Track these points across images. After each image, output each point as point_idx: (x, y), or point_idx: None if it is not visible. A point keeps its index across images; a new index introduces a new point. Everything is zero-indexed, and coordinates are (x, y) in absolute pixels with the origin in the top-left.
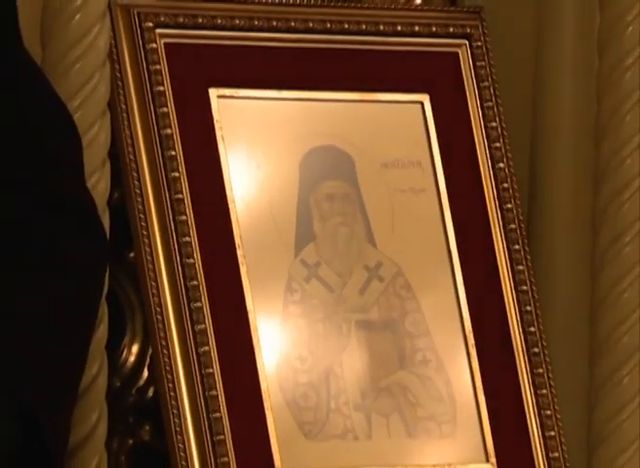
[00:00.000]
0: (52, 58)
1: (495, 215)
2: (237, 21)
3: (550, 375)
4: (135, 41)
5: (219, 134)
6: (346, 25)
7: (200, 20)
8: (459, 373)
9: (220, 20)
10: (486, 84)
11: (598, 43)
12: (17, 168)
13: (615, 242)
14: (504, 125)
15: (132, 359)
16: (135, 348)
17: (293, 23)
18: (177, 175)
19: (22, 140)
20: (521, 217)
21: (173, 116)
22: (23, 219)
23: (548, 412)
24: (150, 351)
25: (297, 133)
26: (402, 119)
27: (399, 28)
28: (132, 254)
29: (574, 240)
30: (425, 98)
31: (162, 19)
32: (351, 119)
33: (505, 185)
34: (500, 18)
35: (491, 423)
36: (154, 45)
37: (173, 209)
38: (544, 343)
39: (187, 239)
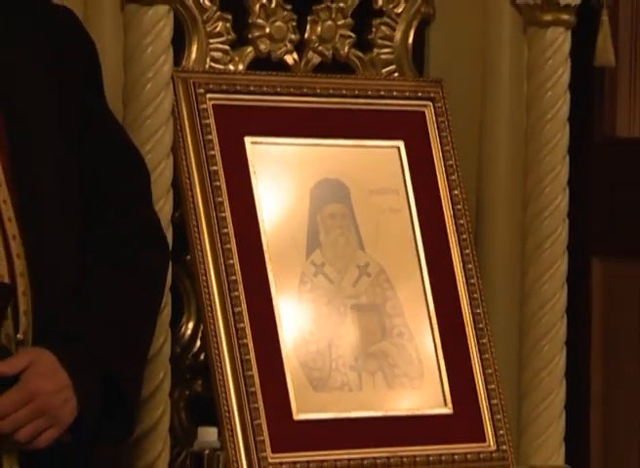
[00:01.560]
0: (130, 115)
1: (451, 228)
2: (264, 88)
3: (492, 344)
4: (190, 103)
5: (251, 170)
6: (344, 91)
7: (238, 88)
8: (424, 343)
9: (252, 88)
10: (445, 134)
11: (527, 103)
12: (107, 196)
13: (537, 248)
14: (458, 163)
15: (188, 333)
16: (190, 325)
17: (305, 90)
18: (220, 199)
19: (111, 176)
20: (470, 230)
21: (218, 157)
22: (112, 228)
23: (490, 371)
24: (202, 327)
25: (308, 169)
26: (384, 159)
27: (382, 93)
28: (188, 257)
29: (508, 247)
30: (401, 144)
31: (210, 86)
32: (347, 159)
33: (459, 207)
34: (455, 86)
35: (448, 379)
36: (205, 105)
37: (218, 224)
38: (487, 321)
39: (228, 246)
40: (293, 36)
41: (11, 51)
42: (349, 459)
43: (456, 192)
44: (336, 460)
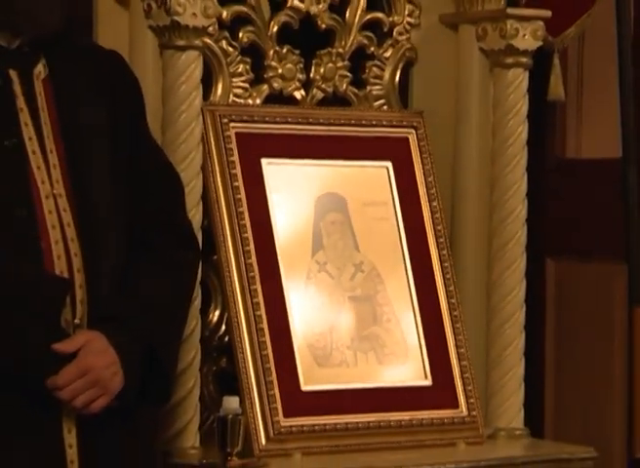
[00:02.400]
0: (168, 140)
1: (430, 233)
2: (277, 119)
3: (464, 328)
4: (216, 130)
5: (266, 185)
6: (342, 121)
7: (255, 118)
8: (408, 327)
9: (267, 118)
10: (425, 156)
11: (492, 130)
12: (149, 206)
13: (501, 249)
14: (436, 179)
15: (215, 319)
16: (217, 313)
17: (310, 120)
18: (241, 209)
19: (153, 189)
20: (446, 234)
21: (239, 175)
22: (153, 233)
23: (462, 350)
24: (226, 314)
25: (313, 184)
26: (375, 176)
27: (373, 122)
28: (215, 257)
29: (477, 248)
30: (389, 164)
31: (233, 117)
32: (345, 176)
33: (437, 215)
34: (434, 117)
35: (428, 356)
36: (228, 133)
37: (239, 230)
38: (460, 309)
39: (248, 248)
40: (300, 76)
41: (73, 88)
42: (347, 423)
43: (434, 204)
44: (336, 424)
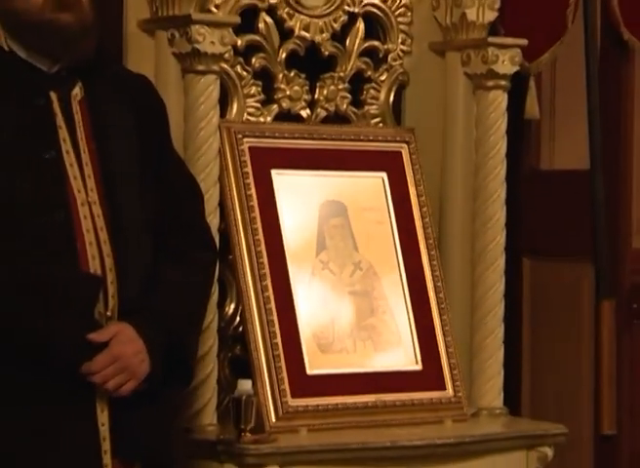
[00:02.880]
0: (189, 153)
1: (421, 236)
2: (286, 134)
3: (450, 319)
4: (232, 145)
5: (276, 193)
6: (343, 136)
7: (266, 134)
8: (401, 319)
9: (276, 134)
10: (416, 167)
11: (475, 145)
12: (173, 211)
13: (483, 250)
14: (426, 188)
15: (230, 311)
16: (232, 306)
17: (315, 135)
18: (254, 215)
19: (176, 197)
20: (434, 236)
21: (252, 184)
22: (176, 235)
23: (449, 339)
24: (240, 307)
25: (317, 193)
26: (372, 185)
27: (370, 138)
28: (230, 257)
29: (462, 249)
30: (384, 175)
31: (246, 133)
32: (345, 185)
33: (426, 220)
34: (424, 133)
35: (419, 344)
36: (242, 147)
37: (252, 232)
38: (447, 302)
39: (259, 248)
40: (306, 97)
41: (106, 108)
42: (347, 403)
43: (424, 209)
44: (337, 404)
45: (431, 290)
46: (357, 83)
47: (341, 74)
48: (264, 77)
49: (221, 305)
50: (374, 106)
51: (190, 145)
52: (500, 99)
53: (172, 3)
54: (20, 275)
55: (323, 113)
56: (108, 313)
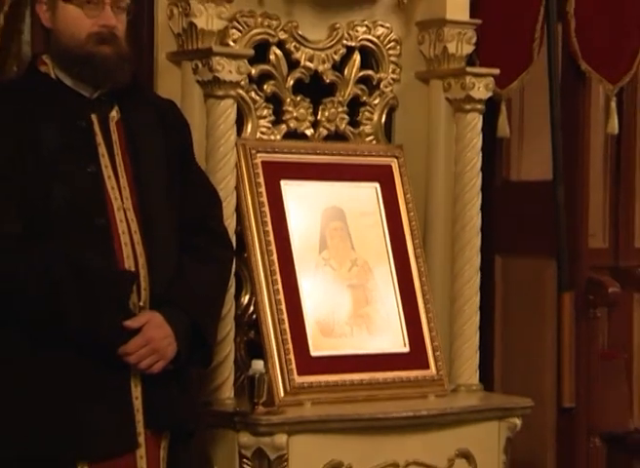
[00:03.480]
0: (210, 166)
1: (408, 236)
2: (293, 150)
3: (433, 308)
4: (247, 159)
5: (284, 201)
6: (342, 152)
7: (276, 150)
8: (392, 308)
9: (285, 150)
10: (405, 178)
11: (455, 159)
12: (195, 215)
13: (461, 249)
14: (413, 196)
15: (245, 301)
16: (247, 297)
17: (318, 151)
18: (266, 219)
19: (198, 203)
20: (420, 238)
21: (264, 193)
22: (198, 236)
23: (432, 325)
24: (254, 298)
25: (320, 200)
26: (367, 194)
27: (365, 153)
28: (245, 254)
29: (443, 248)
30: (377, 185)
31: (259, 149)
32: (344, 194)
33: (413, 223)
34: (411, 149)
35: (407, 330)
36: (256, 161)
37: (264, 234)
38: (430, 294)
39: (270, 248)
40: (310, 118)
41: (139, 127)
42: (344, 380)
43: (411, 214)
44: (336, 381)
45: (417, 283)
46: (354, 106)
47: (340, 99)
48: (274, 101)
49: (238, 296)
50: (368, 126)
51: (211, 160)
52: (476, 121)
53: (195, 38)
54: (68, 271)
55: (325, 132)
56: (141, 303)
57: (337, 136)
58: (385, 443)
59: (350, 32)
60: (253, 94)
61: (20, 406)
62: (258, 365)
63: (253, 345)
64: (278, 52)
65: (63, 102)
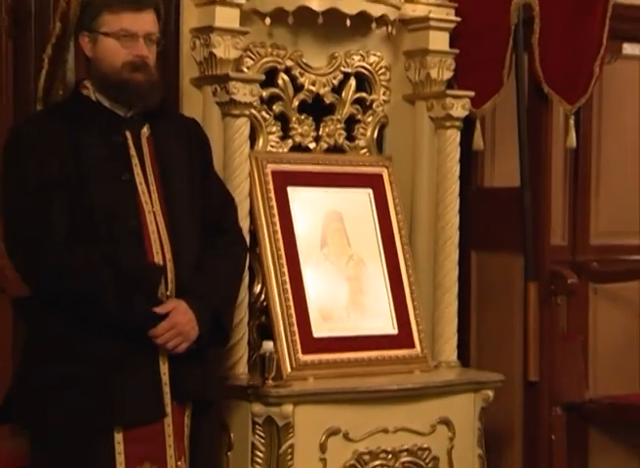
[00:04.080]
0: (227, 175)
1: (397, 235)
2: (297, 161)
3: (418, 296)
4: (259, 168)
5: (291, 204)
6: (340, 162)
7: (284, 161)
8: (382, 296)
9: (291, 160)
10: (394, 185)
11: (437, 168)
12: (214, 217)
13: (443, 245)
14: (401, 200)
15: (257, 290)
16: (259, 287)
17: (319, 162)
18: (275, 220)
19: (216, 206)
20: (407, 235)
21: (273, 197)
22: (217, 234)
23: (417, 311)
24: (265, 288)
25: (321, 204)
26: (361, 199)
27: (360, 163)
28: (257, 250)
29: (427, 245)
30: (371, 191)
31: (269, 160)
32: (342, 199)
33: (401, 224)
34: (399, 160)
35: (395, 314)
36: (266, 170)
37: (273, 232)
38: (415, 284)
39: (279, 245)
40: (313, 133)
41: (166, 142)
42: (342, 358)
43: (399, 216)
44: (335, 359)
45: (404, 274)
46: (350, 123)
47: (339, 117)
48: (282, 119)
49: (251, 286)
50: (362, 140)
51: (228, 169)
52: (454, 136)
53: (215, 65)
54: (105, 265)
55: (325, 145)
56: (168, 293)
57: (335, 149)
58: (377, 412)
59: (347, 60)
60: (264, 113)
61: (67, 381)
62: (268, 345)
63: (263, 328)
64: (285, 77)
65: (102, 121)
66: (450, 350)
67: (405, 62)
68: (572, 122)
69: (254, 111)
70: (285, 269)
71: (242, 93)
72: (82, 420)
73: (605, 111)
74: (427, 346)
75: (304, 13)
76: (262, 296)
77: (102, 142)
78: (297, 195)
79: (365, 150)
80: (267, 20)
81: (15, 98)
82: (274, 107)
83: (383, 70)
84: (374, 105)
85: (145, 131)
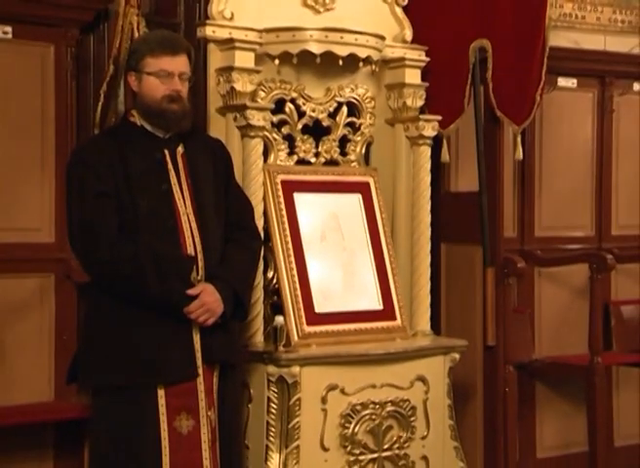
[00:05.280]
0: (245, 184)
1: (382, 230)
2: (301, 172)
3: (399, 279)
4: (270, 178)
5: (297, 207)
6: (335, 173)
7: (290, 172)
8: (370, 279)
9: (296, 171)
10: (378, 191)
11: (413, 177)
12: (235, 217)
13: (418, 239)
14: (384, 203)
15: (270, 275)
16: (271, 273)
17: (319, 173)
18: (284, 219)
19: (236, 208)
20: (389, 232)
21: (282, 202)
22: (237, 231)
23: (398, 290)
24: (276, 273)
25: (321, 207)
26: (352, 203)
27: (351, 173)
28: (270, 244)
29: (405, 239)
30: (360, 196)
31: (279, 171)
32: (337, 202)
33: (384, 222)
34: (383, 172)
35: (381, 294)
36: (277, 180)
37: (283, 229)
38: (397, 270)
39: (287, 239)
40: (313, 150)
41: (196, 158)
42: (339, 329)
43: (384, 216)
44: (333, 329)
45: (388, 262)
46: (343, 142)
47: (334, 137)
48: (289, 139)
49: (265, 272)
50: (353, 155)
51: (246, 179)
52: (426, 151)
53: (235, 97)
54: (149, 257)
55: (323, 159)
56: (199, 278)
57: (332, 162)
58: (367, 371)
59: (340, 92)
60: (274, 134)
61: (121, 349)
62: (279, 319)
63: (276, 306)
64: (291, 106)
65: (145, 142)
66: (424, 321)
67: (386, 93)
68: (519, 139)
69: (266, 133)
70: (292, 258)
71: (257, 118)
72: (133, 379)
73: (545, 130)
74: (406, 319)
75: (306, 55)
76: (274, 280)
77: (146, 159)
78: (301, 199)
79: (355, 163)
80: (276, 61)
81: (77, 125)
82: (282, 130)
83: (369, 100)
84: (362, 127)
85: (180, 149)
